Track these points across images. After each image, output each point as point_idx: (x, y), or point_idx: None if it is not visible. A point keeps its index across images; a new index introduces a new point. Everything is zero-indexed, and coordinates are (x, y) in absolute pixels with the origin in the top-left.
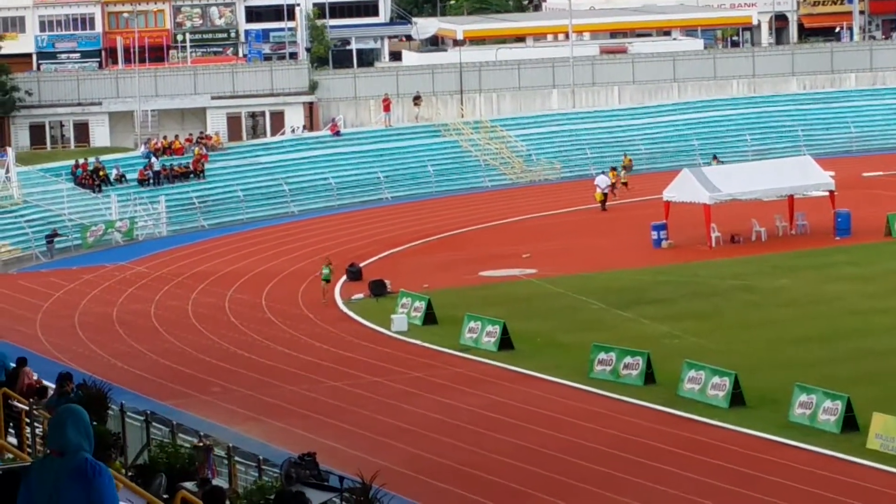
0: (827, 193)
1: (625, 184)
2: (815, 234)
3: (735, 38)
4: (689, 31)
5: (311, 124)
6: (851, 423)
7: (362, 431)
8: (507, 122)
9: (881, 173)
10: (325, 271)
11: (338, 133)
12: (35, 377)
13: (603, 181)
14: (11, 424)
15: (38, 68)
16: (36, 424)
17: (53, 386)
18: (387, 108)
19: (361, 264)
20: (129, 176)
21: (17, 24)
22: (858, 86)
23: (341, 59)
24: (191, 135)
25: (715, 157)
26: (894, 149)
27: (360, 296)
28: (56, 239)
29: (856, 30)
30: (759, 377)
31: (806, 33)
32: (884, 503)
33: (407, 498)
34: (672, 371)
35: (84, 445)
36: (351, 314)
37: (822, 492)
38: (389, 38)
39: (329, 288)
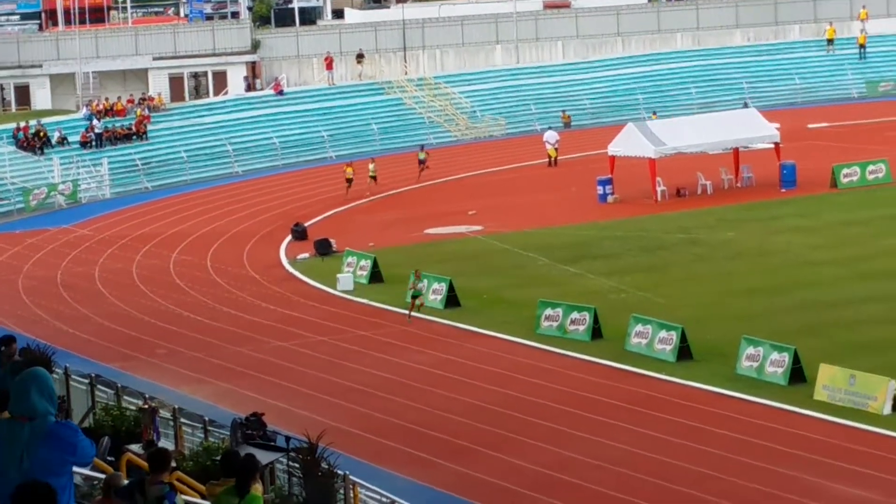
0: (772, 146)
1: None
2: (760, 186)
3: None
4: None
5: (253, 82)
6: (798, 375)
7: (309, 391)
8: (451, 79)
9: (826, 125)
10: (420, 285)
11: (281, 92)
12: None
13: (552, 136)
14: None
15: None
16: None
17: None
18: (329, 67)
19: (306, 223)
20: (71, 138)
21: None
22: (802, 37)
23: (283, 17)
24: (132, 96)
25: (654, 113)
26: (839, 100)
27: (306, 255)
28: None
29: None
30: (706, 330)
31: None
32: (831, 454)
33: (354, 456)
34: (619, 326)
35: (50, 409)
36: (296, 274)
37: (770, 444)
38: None
39: (413, 302)
